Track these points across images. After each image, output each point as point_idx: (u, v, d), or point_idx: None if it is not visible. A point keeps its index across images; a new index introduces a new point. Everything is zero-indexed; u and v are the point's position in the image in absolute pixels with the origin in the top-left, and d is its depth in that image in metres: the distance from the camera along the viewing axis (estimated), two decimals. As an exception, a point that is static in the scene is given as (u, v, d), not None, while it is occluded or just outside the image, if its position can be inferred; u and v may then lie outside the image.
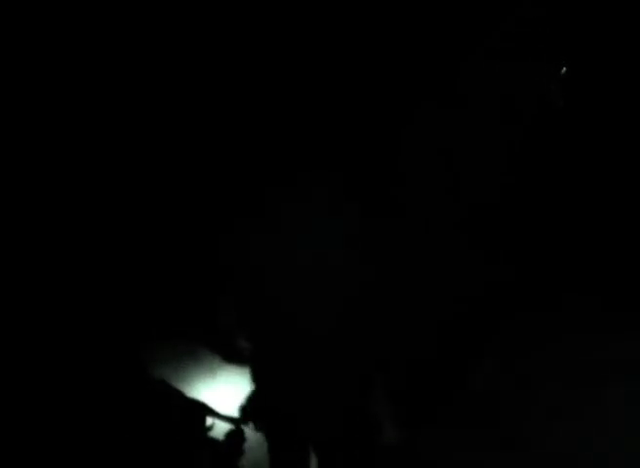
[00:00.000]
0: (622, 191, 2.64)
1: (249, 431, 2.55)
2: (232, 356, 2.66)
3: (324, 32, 2.55)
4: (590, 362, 2.40)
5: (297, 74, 2.57)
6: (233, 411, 2.57)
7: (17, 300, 2.52)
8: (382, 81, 2.60)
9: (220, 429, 2.55)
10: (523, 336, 2.57)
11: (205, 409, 2.54)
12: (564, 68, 2.53)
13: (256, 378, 2.55)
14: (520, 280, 2.62)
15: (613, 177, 2.65)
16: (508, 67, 2.56)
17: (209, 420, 2.54)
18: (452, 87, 2.60)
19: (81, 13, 2.51)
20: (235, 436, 2.53)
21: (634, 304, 2.48)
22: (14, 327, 2.49)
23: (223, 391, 2.64)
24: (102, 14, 2.52)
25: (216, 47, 2.53)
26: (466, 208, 2.65)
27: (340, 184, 2.55)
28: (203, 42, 2.53)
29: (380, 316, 2.60)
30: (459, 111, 2.61)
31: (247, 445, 2.53)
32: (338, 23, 2.54)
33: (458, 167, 2.63)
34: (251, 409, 2.55)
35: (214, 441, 2.52)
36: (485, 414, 2.43)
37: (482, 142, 2.63)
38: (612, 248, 2.62)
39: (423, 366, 2.60)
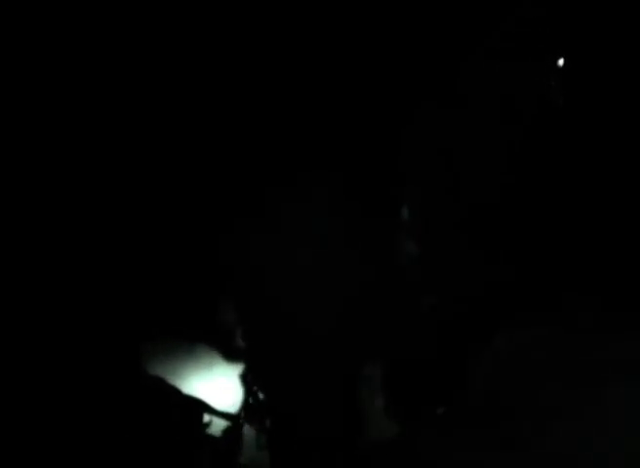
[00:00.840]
0: (623, 191, 2.63)
1: (247, 428, 2.55)
2: (231, 355, 2.66)
3: (324, 32, 2.55)
4: (590, 362, 2.38)
5: (296, 74, 2.57)
6: (231, 409, 2.58)
7: (13, 296, 2.53)
8: (382, 81, 2.60)
9: (217, 426, 2.55)
10: (523, 336, 2.56)
11: (202, 407, 2.55)
12: (561, 60, 2.52)
13: (255, 378, 2.56)
14: (520, 280, 2.61)
15: (613, 177, 2.64)
16: (508, 67, 2.56)
17: (206, 418, 2.55)
18: (452, 87, 2.60)
19: (81, 12, 2.53)
20: (233, 433, 2.53)
21: (634, 304, 2.46)
22: (9, 323, 2.50)
23: (221, 389, 2.64)
24: (102, 13, 2.54)
25: (215, 46, 2.54)
26: (466, 208, 2.64)
27: (340, 184, 2.56)
28: (202, 41, 2.54)
29: (380, 316, 2.60)
30: (459, 111, 2.61)
31: (245, 442, 2.53)
32: (337, 23, 2.55)
33: (458, 167, 2.63)
34: (250, 408, 2.55)
35: (212, 438, 2.52)
36: (485, 414, 2.41)
37: (482, 142, 2.62)
38: (612, 248, 2.60)
39: (423, 365, 2.60)
